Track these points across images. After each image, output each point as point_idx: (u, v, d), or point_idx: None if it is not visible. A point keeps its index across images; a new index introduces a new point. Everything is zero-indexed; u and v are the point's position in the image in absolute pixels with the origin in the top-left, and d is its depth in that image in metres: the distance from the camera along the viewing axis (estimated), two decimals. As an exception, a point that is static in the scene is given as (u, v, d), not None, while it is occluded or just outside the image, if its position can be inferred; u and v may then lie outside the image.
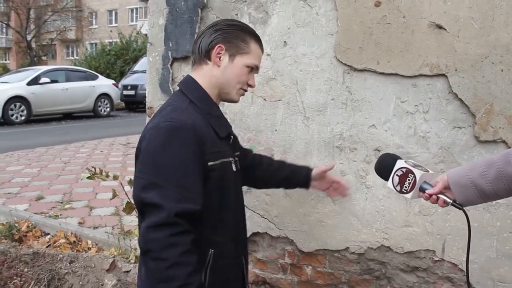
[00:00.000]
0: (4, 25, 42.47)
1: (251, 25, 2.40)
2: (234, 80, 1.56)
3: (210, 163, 1.46)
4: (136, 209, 1.51)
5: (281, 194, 2.42)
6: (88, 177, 2.77)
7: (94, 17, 41.51)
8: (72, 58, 38.60)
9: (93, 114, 15.88)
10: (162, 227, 1.33)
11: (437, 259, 2.06)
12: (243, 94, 1.64)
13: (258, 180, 1.91)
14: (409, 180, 1.39)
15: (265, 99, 2.44)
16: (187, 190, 1.38)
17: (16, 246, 3.08)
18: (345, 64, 2.18)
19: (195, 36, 2.58)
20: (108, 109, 16.32)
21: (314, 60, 2.27)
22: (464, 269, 2.01)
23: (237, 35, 1.56)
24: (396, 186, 1.43)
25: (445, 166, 1.99)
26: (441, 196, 1.35)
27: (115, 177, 2.78)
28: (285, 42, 2.35)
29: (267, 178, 1.91)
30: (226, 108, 2.55)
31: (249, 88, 1.65)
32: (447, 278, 2.07)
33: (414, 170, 1.39)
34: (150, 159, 1.41)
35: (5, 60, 45.34)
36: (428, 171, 1.41)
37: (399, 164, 1.43)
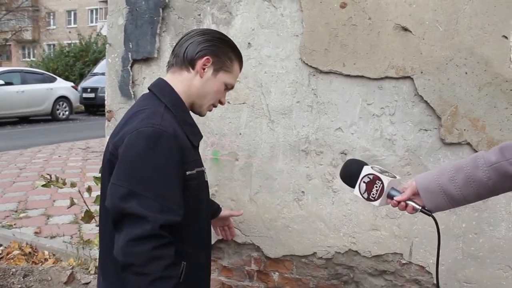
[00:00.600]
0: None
1: (213, 26, 2.35)
2: (211, 94, 1.56)
3: (188, 173, 1.43)
4: (95, 218, 1.46)
5: (246, 199, 2.37)
6: (43, 185, 2.63)
7: (52, 17, 40.39)
8: (28, 59, 37.38)
9: (51, 117, 15.41)
10: (146, 239, 1.27)
11: (404, 262, 2.05)
12: (211, 110, 1.64)
13: None
14: (376, 187, 1.36)
15: (229, 102, 2.37)
16: (169, 201, 1.33)
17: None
18: (310, 66, 2.14)
19: (155, 37, 2.50)
20: (67, 113, 15.88)
21: (279, 62, 2.23)
22: (431, 271, 2.01)
23: (226, 51, 1.56)
24: (363, 193, 1.39)
25: (412, 169, 1.98)
26: (409, 202, 1.33)
27: (73, 185, 2.65)
28: (249, 43, 2.29)
29: None
30: (189, 111, 2.48)
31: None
32: (415, 280, 2.06)
33: (382, 176, 1.35)
34: (129, 166, 1.34)
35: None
36: (395, 177, 1.38)
37: (366, 170, 1.39)
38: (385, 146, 2.04)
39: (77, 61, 24.13)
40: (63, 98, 15.72)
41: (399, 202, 1.33)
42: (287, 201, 2.26)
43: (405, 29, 1.94)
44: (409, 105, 1.98)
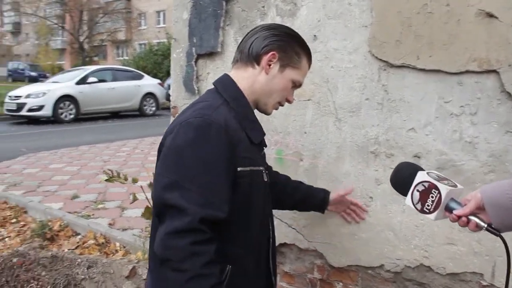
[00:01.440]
0: (60, 28, 44.11)
1: (278, 18, 2.22)
2: (277, 92, 1.49)
3: (239, 169, 1.34)
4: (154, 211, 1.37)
5: (310, 202, 2.22)
6: (106, 180, 2.66)
7: (143, 18, 42.37)
8: (122, 58, 39.54)
9: (139, 113, 16.12)
10: (184, 233, 1.20)
11: (485, 284, 1.79)
12: (277, 109, 1.57)
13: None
14: (432, 197, 1.16)
15: (294, 98, 2.23)
16: (214, 195, 1.25)
17: (36, 248, 3.02)
18: (380, 59, 1.95)
19: (218, 30, 2.42)
20: (153, 108, 16.53)
21: (346, 55, 2.05)
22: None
23: (293, 46, 1.49)
24: (417, 204, 1.20)
25: (496, 177, 1.72)
26: (472, 218, 1.11)
27: (134, 180, 2.65)
28: (315, 36, 2.13)
29: (281, 199, 1.80)
30: (252, 109, 2.37)
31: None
32: (498, 304, 1.80)
33: (439, 185, 1.15)
34: (175, 156, 1.28)
35: (61, 61, 47.05)
36: (456, 186, 1.17)
37: (421, 177, 1.19)
38: (464, 150, 1.80)
39: (165, 59, 25.07)
40: (150, 95, 16.39)
41: (459, 217, 1.12)
42: (353, 206, 2.08)
43: (490, 15, 1.68)
44: (494, 104, 1.72)
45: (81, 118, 14.09)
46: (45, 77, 27.27)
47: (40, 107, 13.21)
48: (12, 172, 6.44)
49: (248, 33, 1.52)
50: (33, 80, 29.97)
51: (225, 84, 1.47)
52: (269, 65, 1.45)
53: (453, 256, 1.84)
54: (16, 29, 57.83)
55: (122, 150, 8.10)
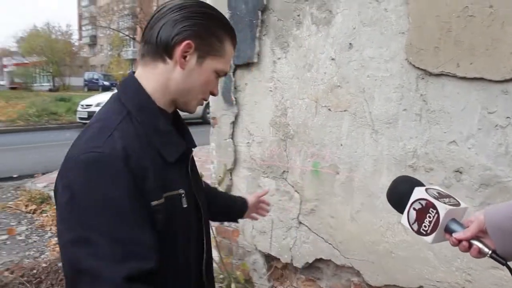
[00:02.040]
0: (131, 39, 46.11)
1: (313, 27, 2.15)
2: (199, 88, 1.18)
3: (153, 203, 1.05)
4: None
5: (347, 217, 2.12)
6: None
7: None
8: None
9: (201, 120, 16.43)
10: None
11: (533, 313, 1.62)
12: (202, 104, 1.25)
13: None
14: (430, 216, 1.03)
15: (329, 109, 2.16)
16: (131, 242, 0.98)
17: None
18: (418, 67, 1.82)
19: (255, 41, 2.39)
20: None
21: (382, 64, 1.94)
22: None
23: (211, 29, 1.15)
24: (413, 224, 1.05)
25: (546, 196, 1.55)
26: (475, 243, 0.97)
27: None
28: (350, 44, 2.04)
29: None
30: (288, 119, 2.32)
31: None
32: (551, 337, 1.62)
33: (437, 203, 1.01)
34: (71, 205, 0.99)
35: (132, 70, 49.03)
36: (459, 204, 1.03)
37: (417, 194, 1.05)
38: (511, 165, 1.64)
39: (229, 67, 25.49)
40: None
41: (459, 241, 0.99)
42: (391, 223, 1.96)
43: (536, 18, 1.53)
44: (542, 114, 1.55)
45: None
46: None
47: (109, 116, 13.78)
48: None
49: (153, 16, 1.17)
50: (106, 89, 31.46)
51: (128, 88, 1.17)
52: (185, 57, 1.14)
53: (498, 282, 1.68)
54: (93, 42, 61.20)
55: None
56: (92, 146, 1.03)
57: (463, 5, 1.68)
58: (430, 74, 1.80)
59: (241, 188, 2.62)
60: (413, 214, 1.05)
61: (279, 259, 2.48)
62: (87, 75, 45.13)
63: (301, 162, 2.30)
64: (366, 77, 2.00)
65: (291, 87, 2.30)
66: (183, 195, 1.14)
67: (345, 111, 2.10)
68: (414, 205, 1.05)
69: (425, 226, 1.03)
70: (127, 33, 45.22)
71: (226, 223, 2.71)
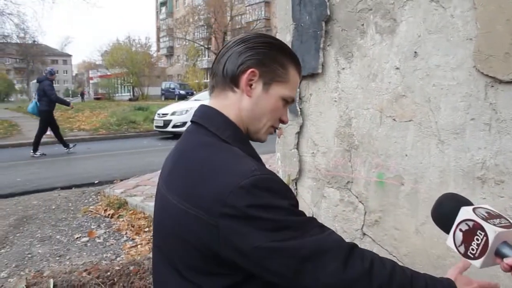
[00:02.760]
0: (206, 49, 47.52)
1: (377, 36, 2.13)
2: (267, 115, 1.22)
3: None
4: None
5: (412, 230, 2.07)
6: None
7: (281, 35, 43.65)
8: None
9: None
10: None
11: None
12: (272, 133, 1.30)
13: None
14: (477, 239, 0.95)
15: (394, 120, 2.12)
16: None
17: (149, 258, 3.24)
18: (487, 75, 1.75)
19: (319, 51, 2.40)
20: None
21: (449, 72, 1.88)
22: None
23: (274, 57, 1.21)
24: (459, 246, 1.00)
25: None
26: None
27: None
28: (415, 52, 2.00)
29: None
30: (353, 130, 2.30)
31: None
32: None
33: (486, 225, 0.94)
34: None
35: (206, 79, 50.62)
36: (511, 226, 0.95)
37: (464, 214, 0.98)
38: None
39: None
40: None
41: (511, 267, 0.92)
42: (459, 237, 1.89)
43: None
44: None
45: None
46: (192, 94, 29.48)
47: (183, 124, 14.26)
48: (151, 185, 7.04)
49: (220, 51, 1.25)
50: (181, 98, 32.60)
51: (215, 120, 1.19)
52: (250, 85, 1.19)
53: None
54: (170, 52, 63.79)
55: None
56: (249, 170, 1.05)
57: (535, 9, 1.60)
58: (500, 81, 1.72)
59: (306, 197, 2.63)
60: (459, 235, 1.00)
61: (343, 270, 2.46)
62: (164, 84, 47.08)
63: (366, 173, 2.28)
64: (432, 86, 1.95)
65: (355, 97, 2.28)
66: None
67: (410, 121, 2.05)
68: (460, 226, 0.99)
69: (472, 249, 0.97)
70: (202, 43, 46.70)
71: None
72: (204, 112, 1.23)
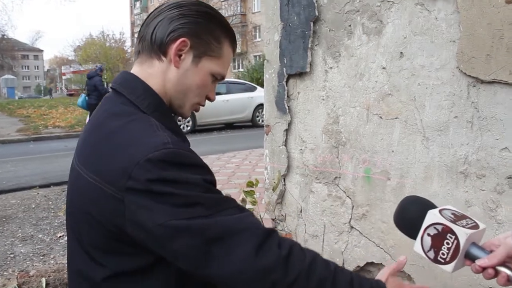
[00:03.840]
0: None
1: (364, 36, 2.21)
2: (194, 90, 1.14)
3: None
4: None
5: (398, 223, 2.16)
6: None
7: (257, 31, 43.66)
8: (238, 70, 41.09)
9: (251, 124, 16.63)
10: None
11: None
12: (196, 110, 1.22)
13: None
14: (448, 243, 0.92)
15: (381, 117, 2.21)
16: None
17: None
18: (469, 75, 1.85)
19: (307, 51, 2.47)
20: (265, 119, 16.96)
21: (433, 72, 1.98)
22: None
23: (210, 29, 1.12)
24: (428, 251, 0.95)
25: None
26: (502, 270, 0.89)
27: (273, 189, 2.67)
28: (401, 53, 2.09)
29: None
30: (340, 127, 2.39)
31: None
32: None
33: (456, 228, 0.91)
34: None
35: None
36: (478, 227, 0.93)
37: (431, 218, 0.94)
38: None
39: (278, 70, 25.59)
40: (262, 106, 16.82)
41: (483, 268, 0.90)
42: (443, 228, 1.99)
43: None
44: None
45: (197, 129, 14.92)
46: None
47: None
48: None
49: (150, 13, 1.15)
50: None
51: (135, 89, 1.10)
52: (179, 56, 1.11)
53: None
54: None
55: (231, 161, 8.43)
56: (160, 142, 0.99)
57: (515, 14, 1.70)
58: (482, 81, 1.82)
59: (294, 193, 2.70)
60: (427, 240, 0.95)
61: (331, 262, 2.55)
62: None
63: (353, 168, 2.37)
64: (417, 85, 2.04)
65: (342, 95, 2.36)
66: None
67: (396, 118, 2.15)
68: (428, 231, 0.95)
69: (443, 254, 0.93)
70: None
71: (279, 227, 2.81)
72: (125, 79, 1.14)
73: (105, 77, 48.70)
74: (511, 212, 1.78)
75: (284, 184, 2.76)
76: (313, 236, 2.63)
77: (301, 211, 2.68)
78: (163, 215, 0.93)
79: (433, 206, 1.00)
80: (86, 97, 12.34)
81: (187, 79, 1.12)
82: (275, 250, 0.96)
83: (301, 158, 2.64)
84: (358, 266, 2.39)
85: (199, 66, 1.12)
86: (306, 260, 0.99)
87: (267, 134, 2.84)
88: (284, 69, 2.63)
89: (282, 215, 2.80)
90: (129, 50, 56.50)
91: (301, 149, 2.63)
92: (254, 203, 2.64)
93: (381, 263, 2.25)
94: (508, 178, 1.78)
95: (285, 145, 2.71)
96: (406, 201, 1.06)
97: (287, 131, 2.68)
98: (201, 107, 1.21)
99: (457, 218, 0.94)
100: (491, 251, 0.93)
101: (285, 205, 2.78)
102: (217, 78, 1.17)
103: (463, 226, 0.92)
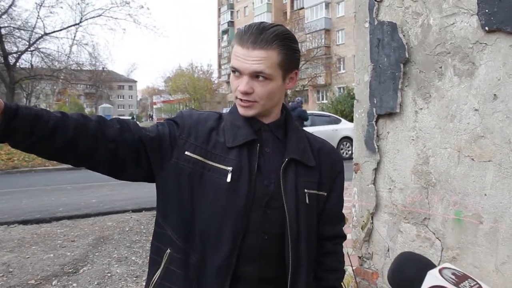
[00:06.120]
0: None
1: (455, 78, 2.23)
2: (233, 89, 1.37)
3: (186, 153, 1.33)
4: None
5: (491, 268, 2.11)
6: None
7: (341, 63, 43.63)
8: (322, 102, 41.15)
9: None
10: None
11: None
12: (243, 106, 1.36)
13: None
14: None
15: (473, 159, 2.19)
16: None
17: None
18: None
19: (397, 92, 2.51)
20: (350, 152, 16.76)
21: (530, 115, 1.95)
22: None
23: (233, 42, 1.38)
24: None
25: None
26: None
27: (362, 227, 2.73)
28: (495, 95, 2.08)
29: None
30: (430, 168, 2.39)
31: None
32: None
33: None
34: None
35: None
36: (480, 286, 0.86)
37: (432, 280, 0.86)
38: None
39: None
40: (346, 138, 16.71)
41: None
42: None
43: None
44: None
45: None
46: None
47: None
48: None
49: None
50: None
51: None
52: None
53: None
54: (231, 79, 65.11)
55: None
56: None
57: None
58: None
59: (382, 232, 2.71)
60: None
61: (419, 304, 2.51)
62: (225, 110, 47.91)
63: (443, 210, 2.34)
64: (512, 129, 2.01)
65: (433, 136, 2.37)
66: (229, 171, 1.30)
67: (489, 161, 2.12)
68: None
69: None
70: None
71: (365, 265, 2.81)
72: None
73: (193, 107, 50.93)
74: None
75: (372, 223, 2.77)
76: (400, 276, 2.60)
77: (388, 250, 2.68)
78: None
79: (431, 265, 0.93)
80: None
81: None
82: None
83: (390, 198, 2.65)
84: (448, 311, 2.33)
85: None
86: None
87: (355, 172, 2.89)
88: (374, 109, 2.69)
89: (369, 253, 2.81)
90: (216, 81, 58.70)
91: (390, 188, 2.64)
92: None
93: None
94: None
95: (374, 184, 2.74)
96: (402, 258, 1.00)
97: (376, 170, 2.72)
98: None
99: (459, 279, 0.87)
100: None
101: (372, 243, 2.79)
102: (234, 71, 1.34)
103: None
